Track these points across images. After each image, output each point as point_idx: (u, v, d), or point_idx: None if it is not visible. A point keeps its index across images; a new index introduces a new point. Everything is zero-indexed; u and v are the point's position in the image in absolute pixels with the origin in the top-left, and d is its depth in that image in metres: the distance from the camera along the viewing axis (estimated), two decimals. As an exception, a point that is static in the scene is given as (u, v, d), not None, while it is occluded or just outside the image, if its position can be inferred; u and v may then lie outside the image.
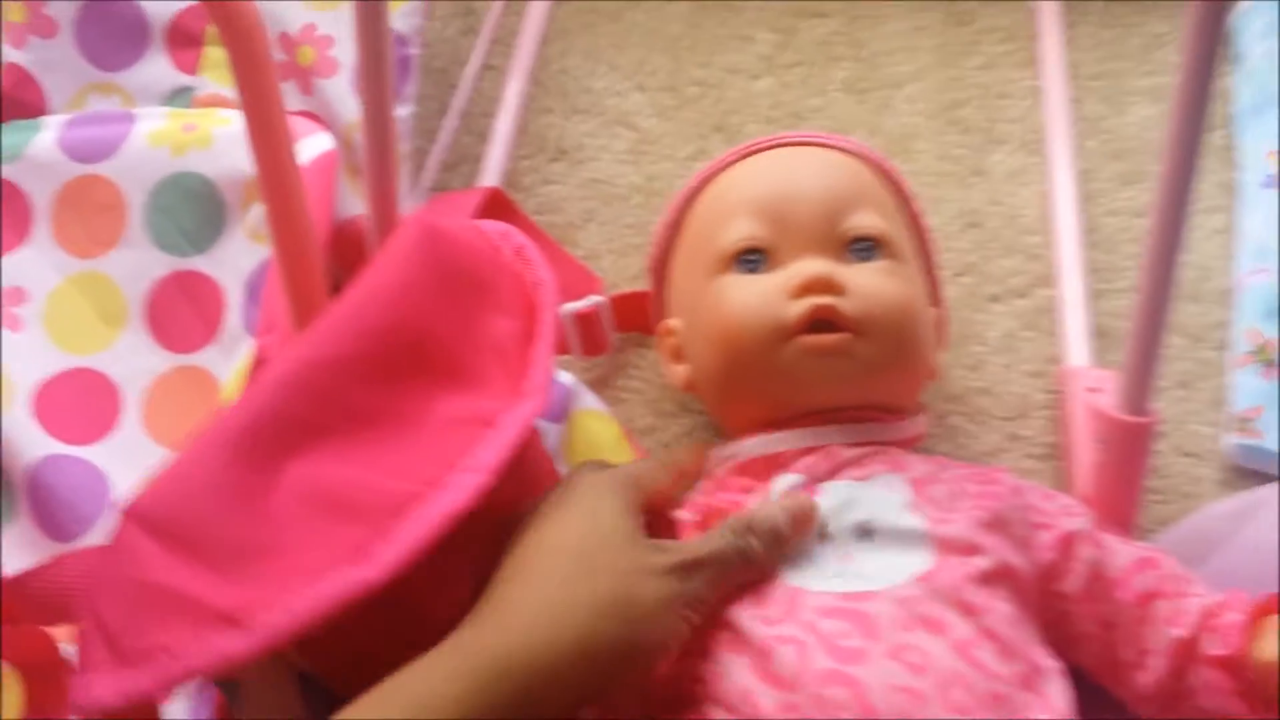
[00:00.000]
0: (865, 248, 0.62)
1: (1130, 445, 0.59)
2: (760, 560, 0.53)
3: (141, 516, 0.45)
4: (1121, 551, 0.58)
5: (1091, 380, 0.68)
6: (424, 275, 0.54)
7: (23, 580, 0.52)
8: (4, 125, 0.77)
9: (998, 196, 0.83)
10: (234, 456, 0.47)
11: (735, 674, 0.51)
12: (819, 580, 0.53)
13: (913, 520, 0.55)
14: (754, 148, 0.68)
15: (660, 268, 0.70)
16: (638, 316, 0.75)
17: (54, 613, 0.52)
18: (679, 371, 0.67)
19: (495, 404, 0.51)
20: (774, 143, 0.68)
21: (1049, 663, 0.53)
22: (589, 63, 0.93)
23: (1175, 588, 0.56)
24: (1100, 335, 0.75)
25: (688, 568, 0.51)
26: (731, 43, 0.93)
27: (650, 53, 0.93)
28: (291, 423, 0.48)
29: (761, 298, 0.60)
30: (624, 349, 0.77)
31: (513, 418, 0.51)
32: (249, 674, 0.49)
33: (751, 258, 0.62)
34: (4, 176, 0.74)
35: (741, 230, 0.63)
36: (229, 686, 0.49)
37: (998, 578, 0.54)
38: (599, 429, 0.69)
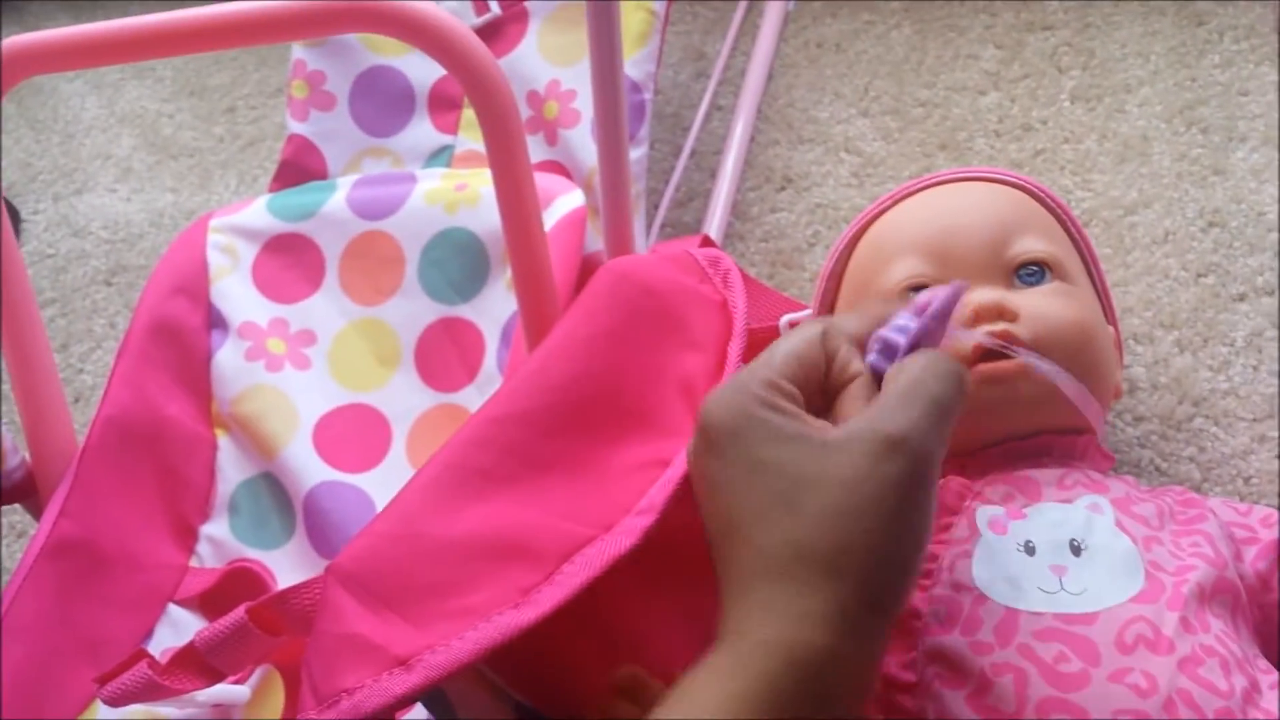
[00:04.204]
0: (1033, 272, 0.61)
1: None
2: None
3: (341, 573, 0.49)
4: None
5: (1344, 378, 0.65)
6: (612, 322, 0.56)
7: (283, 596, 0.56)
8: (302, 186, 0.86)
9: (1240, 194, 0.81)
10: (421, 509, 0.51)
11: (953, 708, 0.49)
12: (1032, 601, 0.51)
13: (1123, 539, 0.53)
14: (908, 190, 0.68)
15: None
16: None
17: (308, 626, 0.54)
18: None
19: (676, 443, 0.52)
20: (927, 183, 0.68)
21: (1267, 676, 0.51)
22: (814, 93, 0.96)
23: None
24: (1354, 332, 0.72)
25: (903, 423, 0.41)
26: (956, 62, 0.94)
27: (874, 79, 0.95)
28: (476, 474, 0.51)
29: None
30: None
31: (684, 456, 0.51)
32: (465, 708, 0.52)
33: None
34: (302, 232, 0.83)
35: (906, 269, 0.62)
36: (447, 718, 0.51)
37: (1213, 593, 0.52)
38: None
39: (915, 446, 0.41)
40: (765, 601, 0.41)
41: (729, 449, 0.43)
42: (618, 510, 0.50)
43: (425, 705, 0.50)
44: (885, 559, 0.41)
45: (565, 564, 0.48)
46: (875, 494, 0.41)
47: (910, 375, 0.43)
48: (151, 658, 0.60)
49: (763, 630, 0.40)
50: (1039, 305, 0.59)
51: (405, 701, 0.45)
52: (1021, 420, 0.58)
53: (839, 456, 0.41)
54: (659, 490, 0.50)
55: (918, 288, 0.61)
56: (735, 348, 0.57)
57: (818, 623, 0.40)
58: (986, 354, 0.58)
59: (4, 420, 0.74)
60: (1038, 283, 0.61)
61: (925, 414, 0.42)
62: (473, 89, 0.61)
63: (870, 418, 0.42)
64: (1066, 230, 0.66)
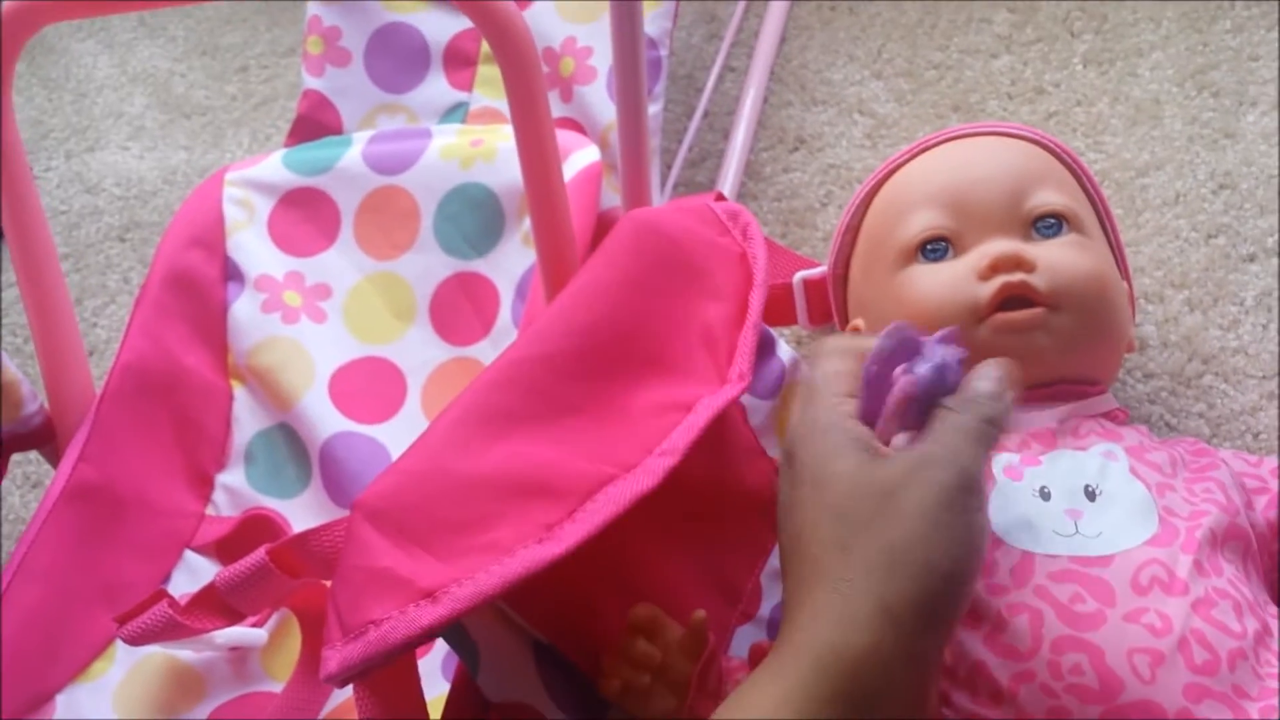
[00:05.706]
0: (1051, 225, 0.61)
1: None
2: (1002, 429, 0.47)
3: (367, 509, 0.50)
4: None
5: (1352, 335, 0.66)
6: (635, 269, 0.57)
7: (304, 538, 0.56)
8: (318, 141, 0.87)
9: (1251, 157, 0.81)
10: (445, 447, 0.51)
11: (968, 648, 0.51)
12: (1048, 544, 0.52)
13: (1137, 485, 0.54)
14: (925, 144, 0.68)
15: (840, 273, 0.70)
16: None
17: (327, 568, 0.55)
18: None
19: (698, 389, 0.53)
20: (945, 137, 0.68)
21: (1277, 621, 0.52)
22: (827, 55, 0.96)
23: None
24: (1363, 291, 0.72)
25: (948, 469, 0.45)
26: (969, 25, 0.94)
27: (887, 41, 0.95)
28: (499, 414, 0.52)
29: (951, 282, 0.60)
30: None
31: (708, 403, 0.52)
32: (487, 643, 0.52)
33: (935, 247, 0.62)
34: (318, 186, 0.83)
35: (923, 221, 0.62)
36: (469, 656, 0.52)
37: (1225, 539, 0.53)
38: None
39: (954, 459, 0.45)
40: (812, 608, 0.44)
41: (803, 468, 0.47)
42: (639, 451, 0.51)
43: (447, 640, 0.51)
44: (929, 563, 0.43)
45: (588, 501, 0.48)
46: (917, 499, 0.44)
47: (956, 409, 0.47)
48: (171, 597, 0.60)
49: (802, 635, 0.43)
50: (1056, 256, 0.59)
51: (431, 633, 0.46)
52: (1038, 369, 0.59)
53: (887, 468, 0.45)
54: (681, 434, 0.51)
55: (936, 239, 0.62)
56: (757, 298, 0.58)
57: (859, 625, 0.42)
58: (1004, 302, 0.58)
59: (21, 369, 0.75)
60: (1055, 235, 0.61)
61: (967, 437, 0.46)
62: (496, 39, 0.61)
63: (918, 442, 0.46)
64: (1082, 186, 0.66)
